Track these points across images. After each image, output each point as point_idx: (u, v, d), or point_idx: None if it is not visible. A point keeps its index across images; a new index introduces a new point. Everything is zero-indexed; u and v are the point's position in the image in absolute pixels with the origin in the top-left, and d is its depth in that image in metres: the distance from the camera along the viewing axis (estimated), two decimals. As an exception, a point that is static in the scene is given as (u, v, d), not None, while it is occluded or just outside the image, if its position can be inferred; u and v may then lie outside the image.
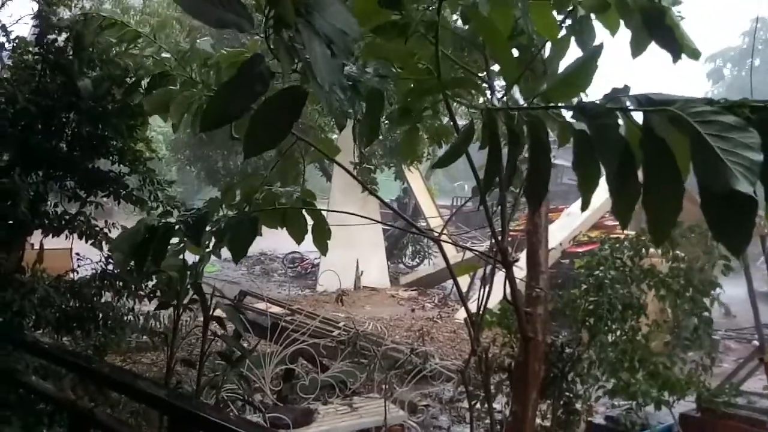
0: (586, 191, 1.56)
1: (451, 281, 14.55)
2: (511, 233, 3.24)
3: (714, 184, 1.17)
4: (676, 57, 1.95)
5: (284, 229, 2.70)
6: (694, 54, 1.97)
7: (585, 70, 1.59)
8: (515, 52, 2.28)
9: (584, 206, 1.64)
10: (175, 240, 2.81)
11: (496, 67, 2.46)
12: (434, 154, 15.17)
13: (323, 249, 2.69)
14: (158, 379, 4.73)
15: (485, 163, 1.82)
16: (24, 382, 3.41)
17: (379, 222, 11.58)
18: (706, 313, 4.81)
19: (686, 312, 4.83)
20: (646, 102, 1.38)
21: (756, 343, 7.74)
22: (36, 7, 4.84)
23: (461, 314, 11.22)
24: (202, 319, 6.16)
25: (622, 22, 2.04)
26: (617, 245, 4.87)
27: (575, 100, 1.65)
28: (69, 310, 4.45)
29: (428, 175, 19.40)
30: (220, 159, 16.55)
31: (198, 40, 3.61)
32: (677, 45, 1.90)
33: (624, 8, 1.95)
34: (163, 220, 2.61)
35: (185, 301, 2.97)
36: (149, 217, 2.74)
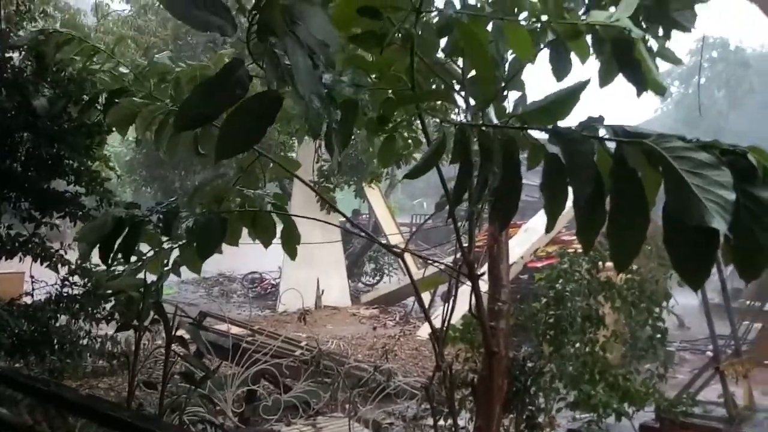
0: (552, 214, 1.59)
1: (412, 298, 14.57)
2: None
3: (689, 219, 1.20)
4: (640, 90, 1.97)
5: (243, 250, 2.68)
6: (660, 89, 1.99)
7: (567, 101, 1.62)
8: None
9: (549, 228, 1.66)
10: (133, 258, 2.75)
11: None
12: (393, 174, 15.28)
13: (292, 254, 2.68)
14: (119, 402, 4.62)
15: (455, 177, 1.85)
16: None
17: (339, 227, 11.57)
18: (660, 323, 4.93)
19: (640, 323, 4.94)
20: (621, 133, 1.42)
21: (710, 353, 7.94)
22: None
23: (423, 331, 11.23)
24: (160, 341, 6.05)
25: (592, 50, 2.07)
26: (575, 259, 4.97)
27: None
28: (23, 335, 4.33)
29: (387, 193, 19.47)
30: (177, 179, 16.35)
31: (156, 56, 3.59)
32: (643, 79, 1.92)
33: (595, 37, 1.99)
34: (132, 212, 2.54)
35: (146, 322, 2.91)
36: (116, 209, 2.67)
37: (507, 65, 2.50)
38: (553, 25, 2.06)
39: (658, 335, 4.90)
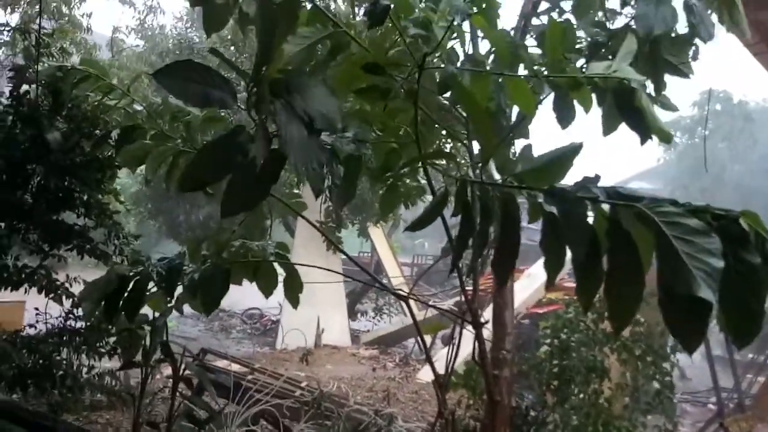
0: (552, 271, 1.62)
1: (411, 340, 14.46)
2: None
3: (677, 287, 1.22)
4: (644, 138, 1.99)
5: (243, 285, 2.69)
6: (665, 137, 2.02)
7: (562, 163, 1.65)
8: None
9: (549, 284, 1.68)
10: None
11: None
12: (396, 214, 15.30)
13: (294, 302, 2.69)
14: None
15: (458, 227, 1.87)
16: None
17: (344, 275, 11.55)
18: (667, 378, 4.89)
19: (648, 376, 4.90)
20: (614, 195, 1.45)
21: (712, 406, 7.86)
22: (0, 56, 4.85)
23: (423, 374, 11.11)
24: (158, 375, 5.98)
25: (595, 99, 2.11)
26: (581, 309, 4.95)
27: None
28: (25, 367, 4.30)
29: (390, 233, 19.48)
30: (182, 213, 16.38)
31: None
32: (646, 128, 1.95)
33: (597, 90, 2.03)
34: (134, 270, 2.55)
35: (152, 360, 2.90)
36: (120, 266, 2.69)
37: (514, 114, 2.55)
38: (554, 78, 2.10)
39: (667, 390, 4.85)
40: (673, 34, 2.50)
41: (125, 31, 16.38)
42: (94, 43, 11.46)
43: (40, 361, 4.40)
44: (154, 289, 2.65)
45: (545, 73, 2.21)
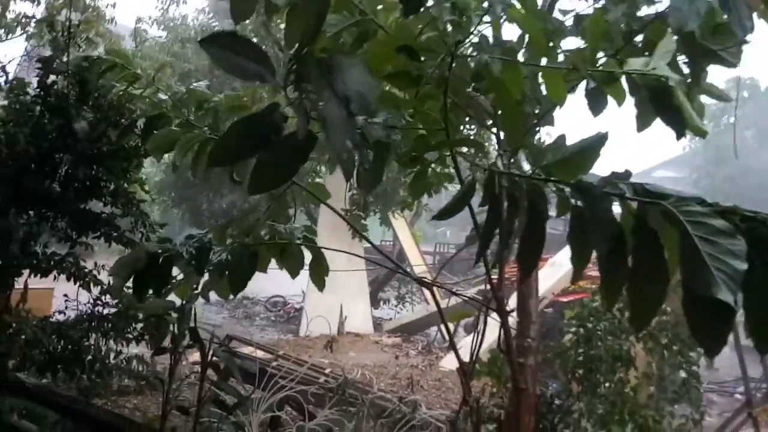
0: (578, 265, 1.57)
1: (434, 328, 14.47)
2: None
3: (697, 288, 1.18)
4: (680, 135, 1.93)
5: (267, 273, 2.69)
6: (702, 133, 1.94)
7: (588, 154, 1.62)
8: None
9: (575, 278, 1.65)
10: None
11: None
12: (419, 202, 15.27)
13: (320, 285, 2.70)
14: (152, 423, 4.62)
15: (485, 217, 1.85)
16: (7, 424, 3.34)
17: (368, 258, 11.57)
18: (694, 367, 4.84)
19: (675, 365, 4.85)
20: (642, 192, 1.41)
21: (738, 396, 7.76)
22: (27, 48, 4.91)
23: (446, 362, 11.12)
24: (184, 362, 6.05)
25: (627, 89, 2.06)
26: (607, 296, 4.91)
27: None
28: (55, 352, 4.39)
29: (412, 221, 19.46)
30: (205, 201, 16.54)
31: (193, 84, 3.66)
32: (683, 125, 1.87)
33: (630, 83, 1.98)
34: (163, 247, 2.56)
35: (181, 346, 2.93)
36: (150, 244, 2.70)
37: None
38: (589, 71, 2.06)
39: (693, 379, 4.81)
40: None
41: (148, 21, 16.50)
42: (118, 34, 11.56)
43: (70, 347, 4.48)
44: (180, 277, 2.67)
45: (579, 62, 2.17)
